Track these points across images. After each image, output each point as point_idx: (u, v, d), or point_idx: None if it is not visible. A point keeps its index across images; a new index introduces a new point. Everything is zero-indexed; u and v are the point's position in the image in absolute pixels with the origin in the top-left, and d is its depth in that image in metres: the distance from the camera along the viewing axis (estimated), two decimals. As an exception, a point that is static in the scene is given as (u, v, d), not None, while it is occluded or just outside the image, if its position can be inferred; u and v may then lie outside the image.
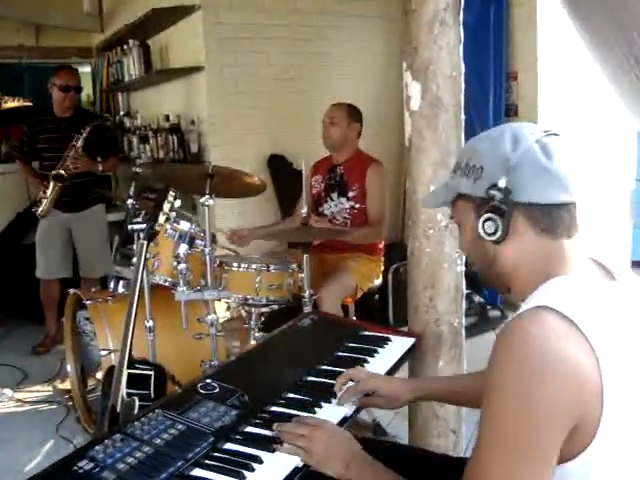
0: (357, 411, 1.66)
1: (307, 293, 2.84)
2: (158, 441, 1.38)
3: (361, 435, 1.50)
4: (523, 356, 1.02)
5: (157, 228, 2.19)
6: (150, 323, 2.75)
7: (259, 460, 1.34)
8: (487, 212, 1.18)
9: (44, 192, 4.06)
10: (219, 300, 2.95)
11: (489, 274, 1.28)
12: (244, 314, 3.20)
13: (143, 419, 1.46)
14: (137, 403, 1.85)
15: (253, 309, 3.11)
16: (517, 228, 1.18)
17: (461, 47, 2.16)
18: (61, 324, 3.60)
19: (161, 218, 2.20)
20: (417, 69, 2.11)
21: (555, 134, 1.23)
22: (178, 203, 2.23)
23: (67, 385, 3.59)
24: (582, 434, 1.03)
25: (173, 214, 2.21)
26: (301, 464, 1.35)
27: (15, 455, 2.97)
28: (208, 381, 1.66)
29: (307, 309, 2.79)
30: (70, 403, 3.43)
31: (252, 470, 1.31)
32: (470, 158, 1.23)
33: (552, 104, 4.59)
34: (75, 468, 1.27)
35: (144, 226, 2.33)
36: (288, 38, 4.73)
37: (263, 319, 3.20)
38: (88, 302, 2.99)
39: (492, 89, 4.63)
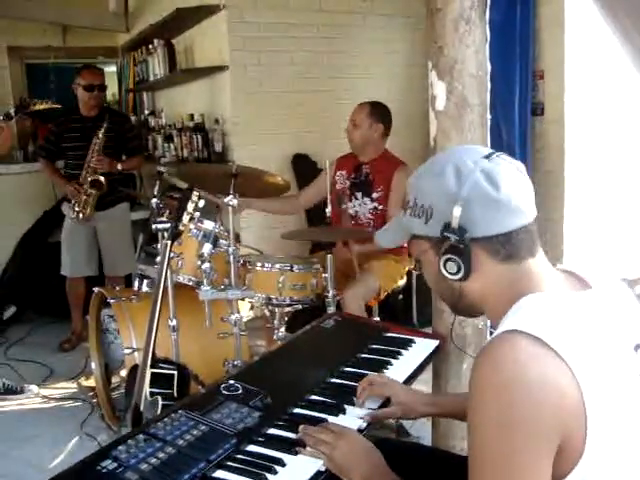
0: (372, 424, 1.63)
1: (331, 293, 2.83)
2: (181, 442, 1.38)
3: (384, 436, 1.49)
4: (496, 382, 1.01)
5: (181, 228, 2.20)
6: (174, 322, 2.76)
7: (282, 463, 1.34)
8: (446, 253, 1.17)
9: (80, 198, 4.10)
10: (242, 300, 2.96)
11: (459, 307, 1.28)
12: (267, 314, 3.20)
13: (166, 419, 1.47)
14: (160, 402, 1.86)
15: (277, 309, 3.10)
16: (479, 262, 1.16)
17: (487, 46, 2.13)
18: (86, 322, 3.64)
19: (185, 218, 2.21)
20: (442, 68, 2.09)
21: (496, 154, 1.19)
22: (202, 203, 2.24)
23: (91, 382, 3.62)
24: (569, 452, 1.01)
25: (197, 214, 2.21)
26: (323, 468, 1.35)
27: (40, 451, 3.00)
28: (231, 382, 1.66)
29: (330, 309, 2.77)
30: (94, 400, 3.45)
31: (275, 472, 1.31)
32: (417, 197, 1.21)
33: (579, 103, 4.52)
34: (99, 468, 1.28)
35: (168, 225, 2.35)
36: (312, 37, 4.72)
37: (287, 319, 3.20)
38: (112, 301, 3.01)
39: (518, 88, 4.57)
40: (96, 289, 3.24)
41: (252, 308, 3.28)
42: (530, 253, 1.17)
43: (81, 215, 4.13)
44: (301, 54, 4.70)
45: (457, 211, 1.14)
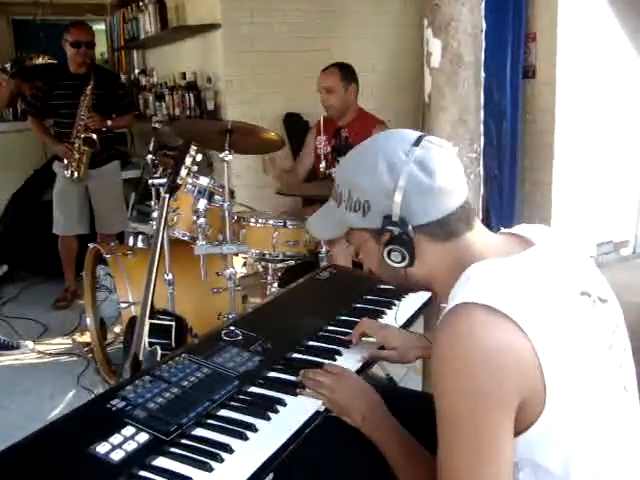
0: (369, 365, 1.70)
1: (324, 249, 2.89)
2: (185, 383, 1.44)
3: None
4: (454, 355, 1.06)
5: (179, 182, 2.23)
6: (169, 276, 2.81)
7: (283, 402, 1.40)
8: (388, 244, 1.19)
9: (73, 157, 4.10)
10: (237, 255, 3.00)
11: (406, 287, 1.33)
12: (261, 269, 3.25)
13: (170, 362, 1.52)
14: (159, 352, 1.91)
15: (270, 264, 3.16)
16: (421, 247, 1.19)
17: (483, 4, 2.15)
18: (80, 279, 3.67)
19: (183, 172, 2.24)
20: (438, 26, 2.11)
21: (424, 139, 1.21)
22: (200, 157, 2.27)
23: (86, 338, 3.68)
24: (531, 408, 1.06)
25: (195, 168, 2.24)
26: (322, 408, 1.41)
27: (39, 404, 3.06)
28: (232, 328, 1.71)
29: (324, 265, 2.83)
30: (90, 355, 3.52)
31: (277, 412, 1.37)
32: (351, 191, 1.21)
33: (570, 66, 4.55)
34: (109, 406, 1.33)
35: (164, 180, 2.37)
36: (305, -5, 4.69)
37: (280, 275, 3.25)
38: (108, 256, 3.05)
39: (510, 50, 4.58)
40: (91, 245, 3.28)
41: (244, 265, 3.33)
42: (467, 227, 1.20)
43: (75, 174, 4.13)
44: (294, 12, 4.67)
45: (396, 204, 1.15)
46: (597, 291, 1.20)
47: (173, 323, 2.25)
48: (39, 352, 3.69)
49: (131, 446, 1.21)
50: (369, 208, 1.19)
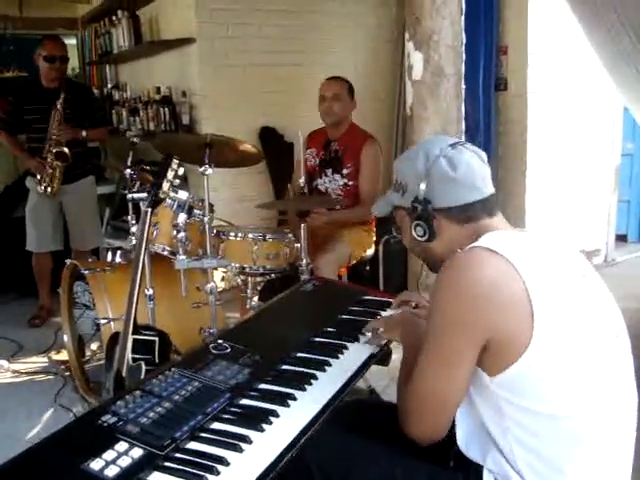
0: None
1: (304, 261, 2.89)
2: (176, 397, 1.42)
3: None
4: (447, 281, 1.30)
5: (161, 196, 2.22)
6: (150, 291, 2.78)
7: (275, 414, 1.39)
8: (415, 219, 1.45)
9: (46, 172, 4.05)
10: (216, 269, 2.99)
11: (429, 262, 1.55)
12: (240, 283, 3.23)
13: (160, 377, 1.50)
14: (144, 367, 1.89)
15: (249, 278, 3.14)
16: (441, 227, 1.44)
17: (462, 18, 2.19)
18: (56, 296, 3.61)
19: (165, 185, 2.22)
20: (419, 39, 2.15)
21: (462, 144, 1.46)
22: (182, 171, 2.25)
23: (63, 356, 3.62)
24: (515, 345, 1.23)
25: (177, 181, 2.22)
26: (316, 411, 1.42)
27: (16, 424, 2.99)
28: (220, 341, 1.70)
29: (304, 278, 2.83)
30: (67, 373, 3.46)
31: (270, 423, 1.36)
32: (398, 176, 1.50)
33: (541, 78, 4.64)
34: (100, 422, 1.31)
35: (144, 195, 2.35)
36: (280, 10, 4.69)
37: (259, 288, 3.24)
38: (87, 272, 3.01)
39: (482, 63, 4.65)
40: (68, 261, 3.23)
41: (223, 279, 3.31)
42: (487, 215, 1.43)
43: (49, 189, 4.08)
44: (268, 27, 4.68)
45: (422, 186, 1.42)
46: (596, 283, 1.39)
47: (156, 338, 2.23)
48: (14, 371, 3.62)
49: (125, 461, 1.19)
50: (406, 189, 1.47)
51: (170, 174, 2.23)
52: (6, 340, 4.00)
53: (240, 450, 1.26)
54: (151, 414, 1.34)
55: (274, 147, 4.69)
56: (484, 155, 1.48)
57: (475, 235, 1.37)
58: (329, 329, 1.88)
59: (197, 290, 2.90)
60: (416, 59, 2.09)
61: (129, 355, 1.92)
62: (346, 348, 1.76)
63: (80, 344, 3.44)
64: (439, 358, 1.30)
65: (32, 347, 3.91)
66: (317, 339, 1.82)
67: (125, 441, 1.25)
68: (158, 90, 4.85)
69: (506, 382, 1.25)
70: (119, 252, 3.18)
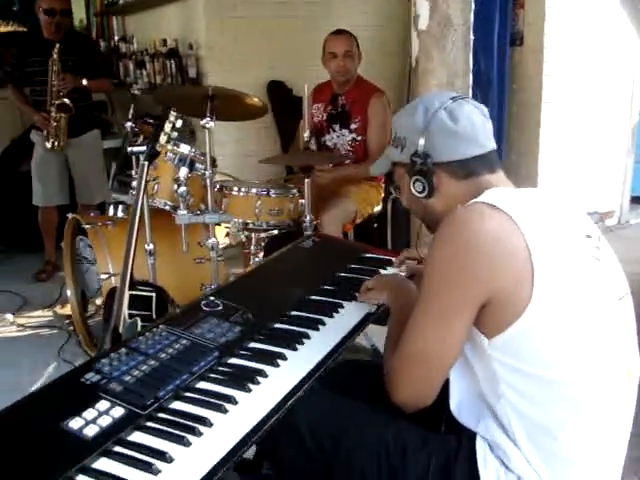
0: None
1: (308, 218, 2.83)
2: (163, 355, 1.38)
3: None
4: (447, 233, 1.25)
5: (158, 149, 2.16)
6: (150, 246, 2.74)
7: (264, 374, 1.35)
8: (414, 175, 1.38)
9: (50, 126, 3.99)
10: (219, 225, 2.94)
11: (429, 221, 1.47)
12: (244, 239, 3.19)
13: (147, 334, 1.46)
14: (140, 323, 1.86)
15: (253, 234, 3.10)
16: (441, 183, 1.38)
17: (472, -36, 2.08)
18: (60, 250, 3.59)
19: (162, 138, 2.17)
20: (426, -14, 2.04)
21: (462, 98, 1.40)
22: (179, 123, 2.19)
23: (67, 310, 3.61)
24: (511, 305, 1.18)
25: (175, 134, 2.17)
26: (308, 371, 1.38)
27: (20, 377, 2.99)
28: (211, 298, 1.65)
29: (308, 234, 2.77)
30: (71, 328, 3.45)
31: (257, 383, 1.32)
32: (397, 131, 1.44)
33: (558, 34, 4.48)
34: (82, 380, 1.28)
35: (144, 148, 2.30)
36: (288, -41, 4.57)
37: (263, 244, 3.20)
38: (87, 226, 2.97)
39: (498, 16, 4.50)
40: (70, 215, 3.19)
41: (227, 235, 3.26)
42: (488, 171, 1.36)
43: (56, 144, 4.03)
44: (277, -23, 4.56)
45: (422, 140, 1.35)
46: (602, 241, 1.33)
47: (154, 294, 2.20)
48: (19, 325, 3.62)
49: (106, 421, 1.16)
50: (405, 144, 1.40)
51: (168, 127, 2.18)
52: (12, 294, 3.99)
53: (224, 411, 1.22)
54: (135, 372, 1.31)
55: (282, 101, 4.60)
56: (485, 109, 1.41)
57: (476, 191, 1.31)
58: (326, 287, 1.83)
59: (199, 246, 2.86)
60: (423, 8, 2.00)
61: (126, 311, 1.89)
62: (342, 307, 1.70)
63: (83, 299, 3.43)
64: (433, 317, 1.25)
65: (37, 301, 3.90)
66: (313, 297, 1.77)
67: (107, 400, 1.22)
68: (164, 42, 4.76)
69: (504, 344, 1.20)
70: (121, 207, 3.13)
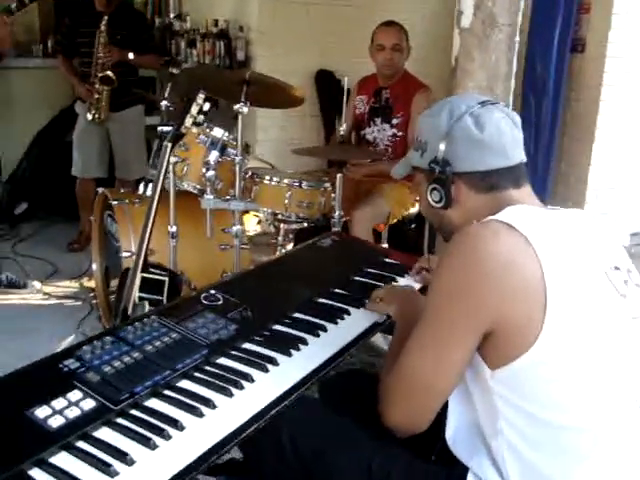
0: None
1: (337, 214, 2.75)
2: (149, 348, 1.32)
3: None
4: (456, 248, 1.17)
5: (183, 131, 2.10)
6: (174, 229, 2.70)
7: (250, 378, 1.28)
8: (432, 183, 1.29)
9: (93, 98, 3.99)
10: (247, 212, 2.88)
11: (444, 232, 1.37)
12: (272, 229, 3.12)
13: (137, 324, 1.40)
14: (147, 308, 1.81)
15: (282, 225, 3.03)
16: (460, 194, 1.28)
17: (525, -38, 1.96)
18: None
19: (188, 121, 2.11)
20: (473, -19, 1.93)
21: (493, 103, 1.30)
22: (207, 106, 2.12)
23: (92, 284, 3.61)
24: (521, 335, 1.08)
25: (201, 117, 2.10)
26: (296, 381, 1.30)
27: (37, 345, 2.98)
28: (212, 292, 1.59)
29: (330, 232, 2.69)
30: (94, 301, 3.45)
31: (242, 388, 1.25)
32: (419, 134, 1.34)
33: (624, 43, 4.27)
34: (60, 366, 1.23)
35: (170, 128, 2.25)
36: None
37: (292, 236, 3.13)
38: (114, 202, 2.94)
39: (560, 21, 4.31)
40: (100, 190, 3.17)
41: (259, 223, 3.21)
42: (513, 185, 1.26)
43: (96, 116, 4.03)
44: (334, -34, 4.46)
45: (442, 146, 1.26)
46: (633, 275, 1.23)
47: (166, 279, 2.15)
48: (45, 293, 3.64)
49: (73, 413, 1.11)
50: (426, 148, 1.30)
51: (194, 109, 2.12)
52: (45, 262, 4.03)
53: (200, 415, 1.16)
54: (117, 363, 1.26)
55: (330, 91, 4.51)
56: (517, 118, 1.31)
57: (497, 207, 1.21)
58: (336, 290, 1.75)
59: (223, 232, 2.80)
60: (466, 4, 1.89)
61: (136, 293, 1.84)
62: (348, 313, 1.62)
63: (107, 274, 3.42)
64: (432, 335, 1.17)
65: (67, 271, 3.92)
66: (320, 300, 1.69)
67: (80, 390, 1.17)
68: (216, 23, 4.70)
69: (507, 378, 1.11)
70: (151, 185, 3.09)
